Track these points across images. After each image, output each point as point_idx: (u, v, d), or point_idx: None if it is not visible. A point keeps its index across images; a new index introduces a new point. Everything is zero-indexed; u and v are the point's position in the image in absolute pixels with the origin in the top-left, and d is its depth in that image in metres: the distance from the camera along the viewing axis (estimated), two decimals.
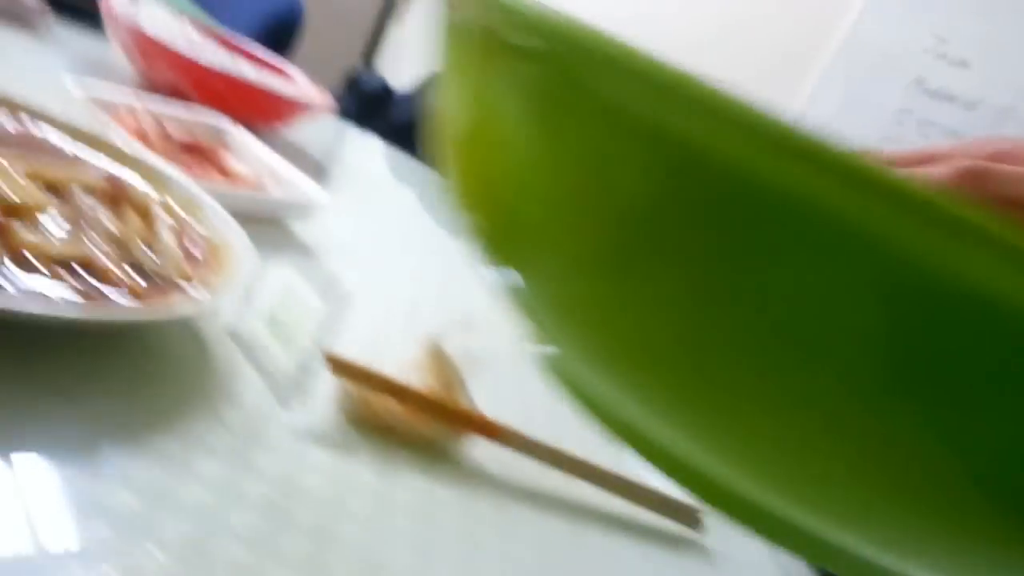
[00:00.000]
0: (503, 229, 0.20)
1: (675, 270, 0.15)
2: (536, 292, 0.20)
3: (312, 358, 0.40)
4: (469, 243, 0.23)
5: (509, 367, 0.56)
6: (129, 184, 0.44)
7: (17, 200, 0.36)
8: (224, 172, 0.62)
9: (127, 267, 0.38)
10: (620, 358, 0.18)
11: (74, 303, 0.33)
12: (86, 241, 0.37)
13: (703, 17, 2.43)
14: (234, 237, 0.45)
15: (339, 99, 1.41)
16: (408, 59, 3.26)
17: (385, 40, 3.35)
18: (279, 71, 0.89)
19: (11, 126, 0.47)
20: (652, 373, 0.17)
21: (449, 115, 0.22)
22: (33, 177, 0.41)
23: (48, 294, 0.33)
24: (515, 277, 0.21)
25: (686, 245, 0.15)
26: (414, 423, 0.41)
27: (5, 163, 0.40)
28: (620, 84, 0.15)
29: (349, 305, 0.51)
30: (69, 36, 0.82)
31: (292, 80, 0.89)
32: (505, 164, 0.19)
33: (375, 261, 0.64)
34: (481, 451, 0.43)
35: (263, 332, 0.43)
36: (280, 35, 1.58)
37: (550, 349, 0.22)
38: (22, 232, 0.35)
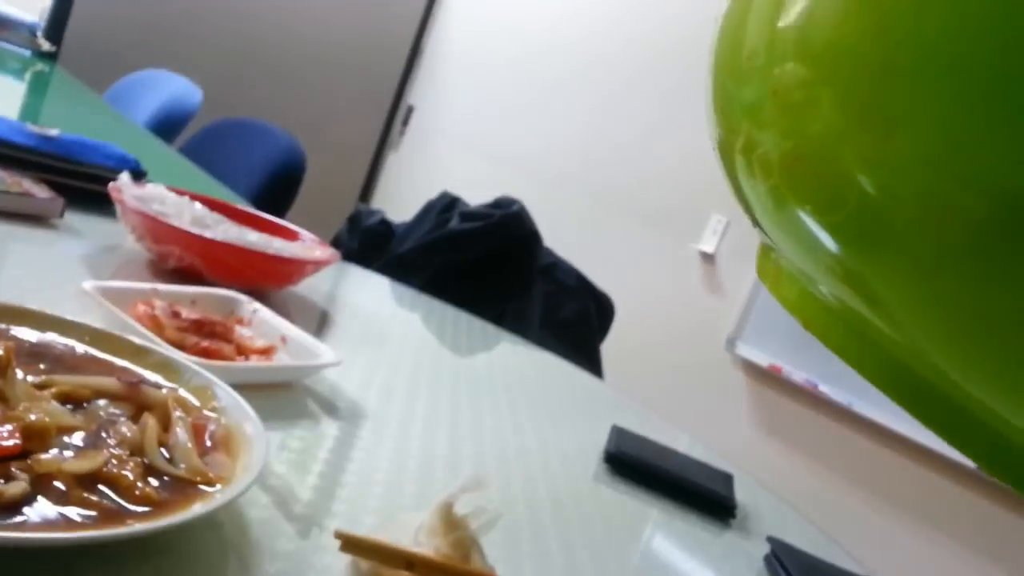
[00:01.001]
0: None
1: None
2: (875, 266, 0.19)
3: (323, 534, 0.41)
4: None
5: (523, 521, 0.57)
6: (144, 387, 0.46)
7: (40, 423, 0.39)
8: (237, 345, 0.64)
9: (144, 473, 0.39)
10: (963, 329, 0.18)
11: (89, 523, 0.35)
12: (104, 453, 0.39)
13: (693, 124, 2.50)
14: (247, 421, 0.47)
15: (341, 239, 1.46)
16: (404, 187, 3.36)
17: (383, 170, 3.46)
18: (284, 231, 0.93)
19: (29, 337, 0.50)
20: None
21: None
22: (53, 391, 0.43)
23: (66, 515, 0.35)
24: (847, 250, 0.20)
25: None
26: None
27: (27, 382, 0.43)
28: None
29: (359, 474, 0.52)
30: (84, 224, 0.87)
31: (297, 238, 0.93)
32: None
33: (384, 415, 0.66)
34: None
35: (276, 508, 0.44)
36: (284, 183, 1.64)
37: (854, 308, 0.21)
38: (42, 456, 0.37)
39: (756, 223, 0.24)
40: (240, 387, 0.52)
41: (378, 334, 0.90)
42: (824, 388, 2.03)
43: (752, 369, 2.23)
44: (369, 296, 1.09)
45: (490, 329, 1.14)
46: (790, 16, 0.21)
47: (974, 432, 0.19)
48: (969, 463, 1.77)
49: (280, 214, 1.75)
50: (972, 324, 0.17)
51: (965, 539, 1.83)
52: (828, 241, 0.20)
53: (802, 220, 0.21)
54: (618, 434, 0.78)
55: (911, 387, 0.20)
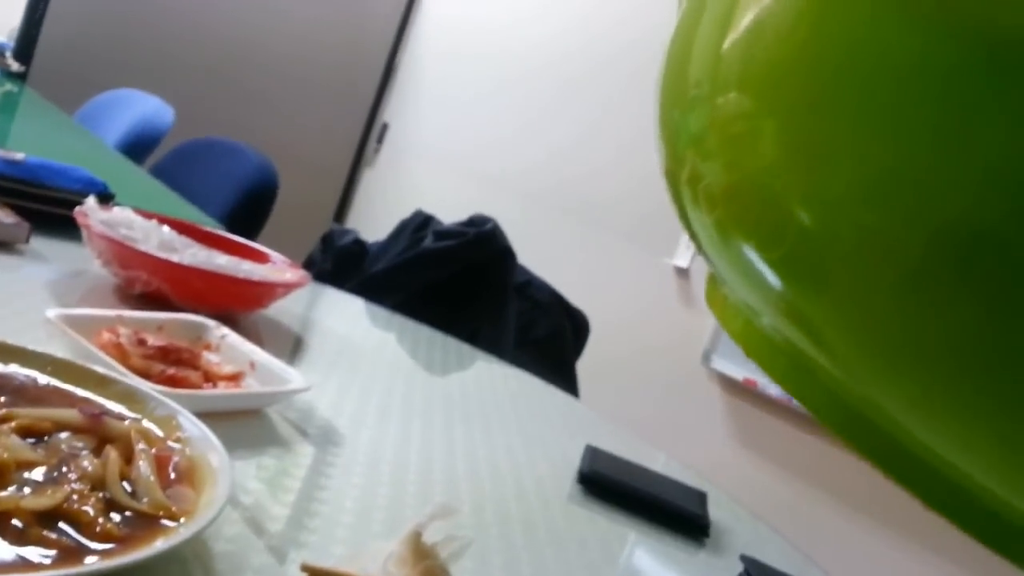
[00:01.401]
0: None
1: None
2: (817, 303, 0.19)
3: (290, 567, 0.41)
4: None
5: (495, 546, 0.56)
6: (107, 419, 0.45)
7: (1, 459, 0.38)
8: (205, 372, 0.63)
9: (106, 508, 0.39)
10: (904, 367, 0.17)
11: (48, 562, 0.34)
12: (65, 488, 0.39)
13: None
14: (212, 452, 0.46)
15: (315, 259, 1.45)
16: (380, 205, 3.35)
17: (359, 188, 3.45)
18: (254, 254, 0.92)
19: None
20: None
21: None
22: (13, 425, 0.42)
23: (24, 556, 0.34)
24: (788, 286, 0.20)
25: None
26: None
27: None
28: None
29: (329, 503, 0.52)
30: (50, 249, 0.85)
31: (268, 260, 0.92)
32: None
33: (356, 440, 0.65)
34: None
35: (242, 541, 0.44)
36: (256, 204, 1.63)
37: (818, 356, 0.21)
38: (0, 494, 0.36)
39: (703, 252, 0.24)
40: (207, 415, 0.51)
41: (351, 356, 0.90)
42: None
43: (727, 383, 2.24)
44: (342, 317, 1.09)
45: (464, 348, 1.13)
46: (734, 45, 0.21)
47: (916, 470, 0.19)
48: None
49: (253, 234, 1.74)
50: (912, 363, 0.17)
51: (943, 550, 1.85)
52: (771, 277, 0.20)
53: (746, 254, 0.21)
54: (592, 454, 0.77)
55: (853, 423, 0.20)
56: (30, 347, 0.51)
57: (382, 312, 1.17)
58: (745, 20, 0.21)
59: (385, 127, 3.44)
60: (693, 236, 0.24)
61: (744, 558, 0.65)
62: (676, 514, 0.71)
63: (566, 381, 1.38)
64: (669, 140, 0.25)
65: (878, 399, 0.19)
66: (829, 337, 0.19)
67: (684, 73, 0.24)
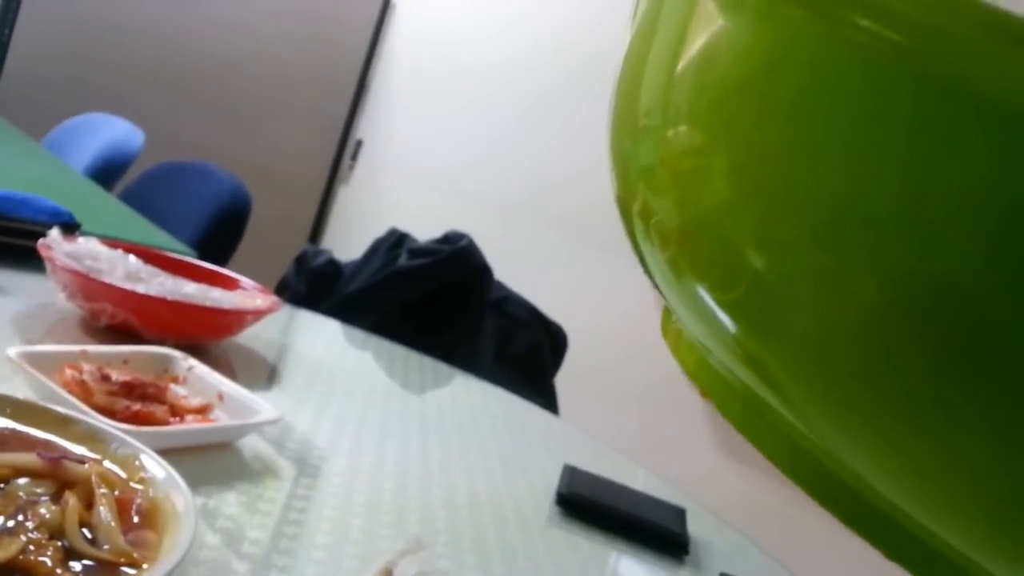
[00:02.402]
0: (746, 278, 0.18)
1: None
2: (770, 348, 0.19)
3: None
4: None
5: (473, 574, 0.55)
6: (67, 463, 0.44)
7: None
8: (171, 405, 0.62)
9: (64, 558, 0.38)
10: (857, 413, 0.17)
11: None
12: (21, 539, 0.38)
13: None
14: (176, 493, 0.45)
15: (289, 281, 1.44)
16: (355, 223, 3.34)
17: (334, 205, 3.44)
18: (224, 280, 0.91)
19: None
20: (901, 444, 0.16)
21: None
22: None
23: None
24: (741, 329, 0.19)
25: None
26: None
27: None
28: None
29: (299, 539, 0.51)
30: (13, 282, 0.84)
31: (238, 286, 0.91)
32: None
33: (329, 471, 0.64)
34: None
35: None
36: (229, 227, 1.62)
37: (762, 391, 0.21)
38: None
39: (655, 286, 0.24)
40: (174, 451, 0.50)
41: (325, 380, 0.88)
42: None
43: None
44: (317, 340, 1.08)
45: (441, 368, 1.13)
46: (684, 74, 0.20)
47: (872, 520, 0.19)
48: None
49: (226, 256, 1.72)
50: (867, 413, 0.17)
51: None
52: (725, 319, 0.19)
53: (699, 295, 0.20)
54: (570, 474, 0.77)
55: (808, 468, 0.20)
56: None
57: (357, 333, 1.16)
58: (696, 46, 0.20)
59: (359, 144, 3.43)
60: (645, 268, 0.24)
61: None
62: (655, 532, 0.70)
63: (545, 396, 1.38)
64: (620, 169, 0.24)
65: (832, 446, 0.18)
66: (783, 382, 0.19)
67: (635, 99, 0.23)
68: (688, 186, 0.20)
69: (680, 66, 0.21)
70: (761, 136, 0.18)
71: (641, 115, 0.22)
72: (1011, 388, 0.14)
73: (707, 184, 0.19)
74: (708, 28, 0.20)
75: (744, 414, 0.21)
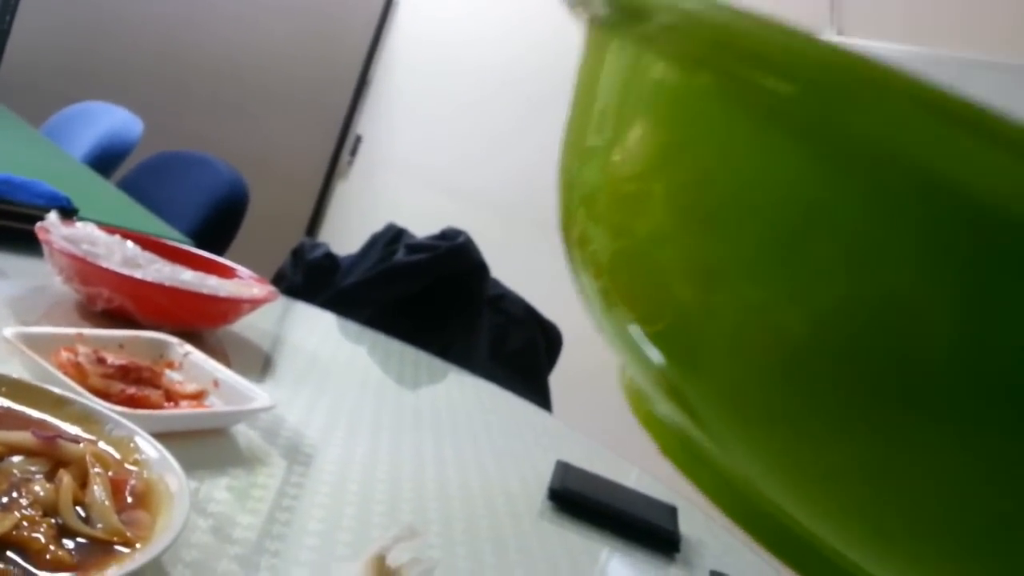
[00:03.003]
0: (672, 318, 0.18)
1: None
2: (694, 382, 0.19)
3: None
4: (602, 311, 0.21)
5: (464, 566, 0.55)
6: (61, 442, 0.44)
7: None
8: (166, 391, 0.62)
9: (58, 535, 0.38)
10: (779, 452, 0.17)
11: None
12: (15, 515, 0.38)
13: None
14: (170, 475, 0.45)
15: (285, 273, 1.44)
16: (353, 218, 3.34)
17: (332, 200, 3.44)
18: (221, 269, 0.91)
19: None
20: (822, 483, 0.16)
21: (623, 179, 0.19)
22: None
23: None
24: (667, 362, 0.19)
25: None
26: None
27: None
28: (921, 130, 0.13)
29: (292, 525, 0.51)
30: (10, 265, 0.84)
31: (234, 275, 0.91)
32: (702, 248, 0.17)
33: (322, 459, 0.64)
34: None
35: (200, 567, 0.43)
36: (226, 217, 1.62)
37: (693, 432, 0.21)
38: None
39: (594, 319, 0.23)
40: (168, 435, 0.50)
41: (320, 372, 0.88)
42: None
43: None
44: (312, 332, 1.08)
45: (436, 363, 1.13)
46: (624, 111, 0.20)
47: (809, 558, 0.19)
48: None
49: (223, 248, 1.72)
50: (788, 450, 0.17)
51: None
52: (652, 352, 0.19)
53: (628, 327, 0.20)
54: (563, 469, 0.77)
55: (746, 509, 0.20)
56: None
57: (352, 326, 1.16)
58: (634, 89, 0.20)
59: (358, 139, 3.43)
60: (585, 299, 0.24)
61: (714, 573, 0.65)
62: (646, 529, 0.71)
63: (539, 394, 1.38)
64: (564, 192, 0.24)
65: (762, 488, 0.18)
66: (704, 415, 0.19)
67: (588, 115, 0.23)
68: (626, 213, 0.20)
69: (620, 105, 0.20)
70: (698, 165, 0.18)
71: (591, 133, 0.22)
72: (923, 425, 0.14)
73: (645, 212, 0.19)
74: (643, 76, 0.20)
75: (684, 455, 0.21)
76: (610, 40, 0.20)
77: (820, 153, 0.15)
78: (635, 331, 0.20)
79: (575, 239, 0.22)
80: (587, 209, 0.21)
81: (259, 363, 0.86)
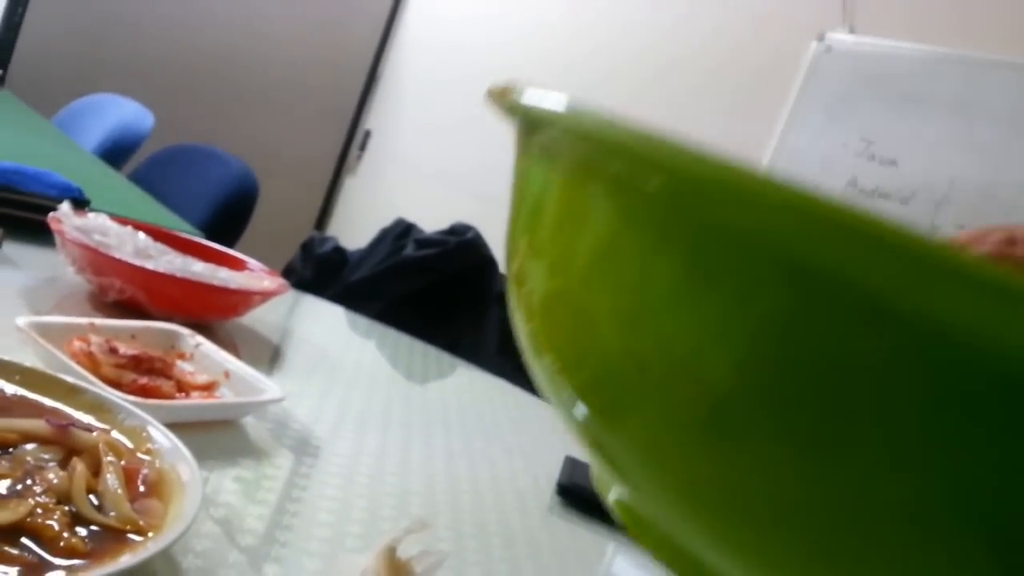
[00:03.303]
0: (591, 373, 0.18)
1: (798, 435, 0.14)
2: (617, 436, 0.18)
3: None
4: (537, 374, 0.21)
5: (473, 560, 0.56)
6: (74, 430, 0.44)
7: None
8: (178, 381, 0.62)
9: (71, 522, 0.38)
10: (705, 510, 0.17)
11: None
12: (29, 502, 0.38)
13: None
14: (182, 464, 0.45)
15: (295, 267, 1.44)
16: (361, 213, 3.34)
17: (341, 195, 3.44)
18: (231, 261, 0.91)
19: None
20: (738, 529, 0.16)
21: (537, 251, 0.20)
22: None
23: None
24: (590, 414, 0.19)
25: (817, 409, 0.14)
26: None
27: None
28: (768, 220, 0.14)
29: (302, 516, 0.51)
30: (22, 255, 0.84)
31: (245, 267, 0.91)
32: (610, 309, 0.17)
33: (331, 451, 0.64)
34: None
35: (212, 556, 0.43)
36: (236, 211, 1.62)
37: (621, 490, 0.20)
38: None
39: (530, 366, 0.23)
40: (179, 426, 0.50)
41: (329, 365, 0.89)
42: None
43: None
44: (321, 326, 1.08)
45: (445, 358, 1.13)
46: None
47: None
48: None
49: (232, 241, 1.72)
50: (715, 505, 0.16)
51: None
52: (575, 401, 0.19)
53: (555, 375, 0.19)
54: (571, 465, 0.77)
55: (687, 564, 0.19)
56: None
57: (362, 320, 1.16)
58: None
59: (368, 135, 3.43)
60: (519, 341, 0.23)
61: None
62: None
63: None
64: (512, 217, 0.23)
65: (687, 542, 0.18)
66: (626, 466, 0.18)
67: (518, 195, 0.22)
68: (566, 242, 0.19)
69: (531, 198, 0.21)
70: (592, 253, 0.18)
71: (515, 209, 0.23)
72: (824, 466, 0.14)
73: (583, 242, 0.19)
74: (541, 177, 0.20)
75: (630, 519, 0.21)
76: (522, 145, 0.22)
77: (682, 245, 0.16)
78: (561, 381, 0.19)
79: (513, 273, 0.22)
80: (529, 238, 0.21)
81: (268, 356, 0.86)
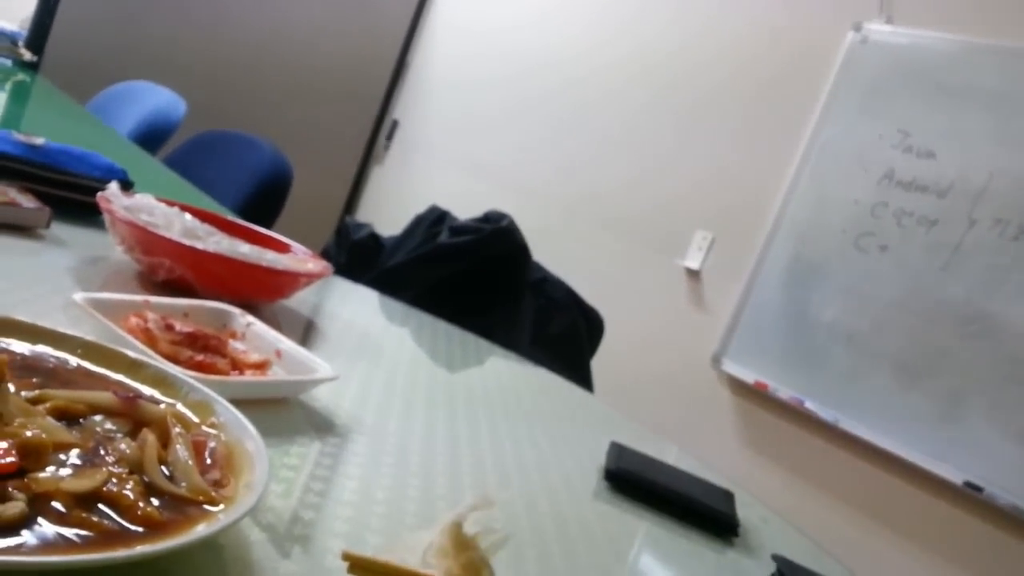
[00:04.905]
0: None
1: None
2: None
3: (327, 555, 0.40)
4: None
5: (528, 540, 0.55)
6: (142, 402, 0.45)
7: (37, 439, 0.37)
8: (232, 359, 0.63)
9: (145, 492, 0.38)
10: None
11: (89, 544, 0.33)
12: (104, 471, 0.38)
13: (678, 139, 2.52)
14: (247, 438, 0.45)
15: (330, 252, 1.44)
16: (388, 201, 3.35)
17: (368, 184, 3.45)
18: (275, 243, 0.91)
19: (21, 350, 0.48)
20: None
21: None
22: (48, 407, 0.41)
23: (66, 536, 0.33)
24: None
25: None
26: None
27: (21, 397, 0.41)
28: None
29: (360, 493, 0.51)
30: (70, 235, 0.85)
31: (288, 250, 0.91)
32: None
33: (382, 432, 0.64)
34: None
35: (275, 529, 0.43)
36: (271, 196, 1.63)
37: None
38: (39, 474, 0.36)
39: None
40: (235, 402, 0.50)
41: (371, 348, 0.89)
42: (810, 405, 2.03)
43: (738, 386, 2.23)
44: (359, 310, 1.08)
45: (482, 344, 1.13)
46: None
47: None
48: (954, 479, 1.77)
49: (266, 227, 1.72)
50: None
51: (951, 556, 1.84)
52: None
53: None
54: (617, 451, 0.76)
55: None
56: (60, 329, 0.50)
57: (399, 305, 1.16)
58: None
59: (395, 124, 3.43)
60: None
61: (776, 557, 0.64)
62: (704, 513, 0.70)
63: (581, 378, 1.37)
64: None
65: None
66: None
67: None
68: None
69: None
70: None
71: None
72: None
73: None
74: None
75: None
76: None
77: None
78: None
79: None
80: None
81: (312, 337, 0.86)
